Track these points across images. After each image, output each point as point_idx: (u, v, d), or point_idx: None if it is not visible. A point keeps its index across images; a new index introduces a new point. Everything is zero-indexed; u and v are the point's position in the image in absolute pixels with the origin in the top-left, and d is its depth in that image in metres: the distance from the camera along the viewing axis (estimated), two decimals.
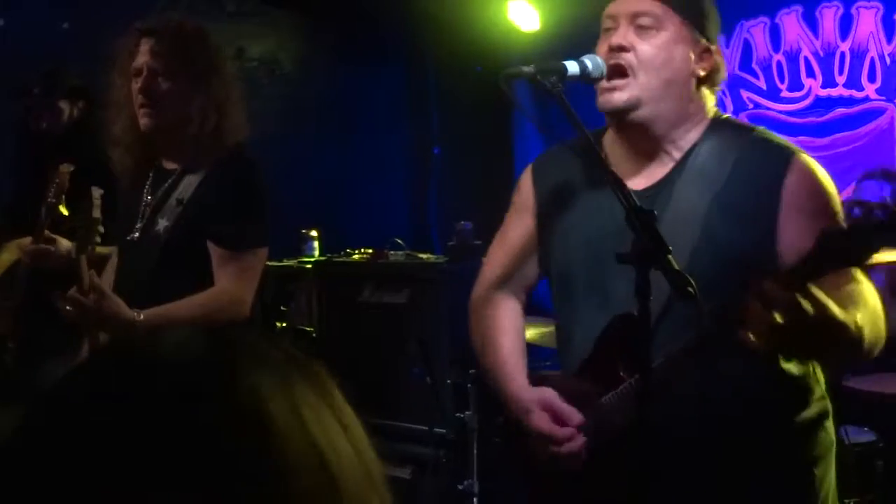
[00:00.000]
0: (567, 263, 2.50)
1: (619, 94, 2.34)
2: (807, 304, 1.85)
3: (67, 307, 2.97)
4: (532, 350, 2.78)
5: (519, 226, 2.64)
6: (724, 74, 2.48)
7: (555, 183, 2.56)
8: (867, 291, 2.18)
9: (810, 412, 2.37)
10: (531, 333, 3.71)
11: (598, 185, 2.38)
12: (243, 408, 0.78)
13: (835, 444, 2.44)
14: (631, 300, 1.99)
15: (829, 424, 2.42)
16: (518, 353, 2.58)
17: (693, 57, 2.38)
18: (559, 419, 2.35)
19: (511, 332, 2.62)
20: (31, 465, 0.77)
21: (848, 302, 2.05)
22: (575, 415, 2.34)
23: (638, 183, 2.39)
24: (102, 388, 0.80)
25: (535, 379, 2.50)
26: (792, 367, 2.33)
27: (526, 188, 2.64)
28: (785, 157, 2.29)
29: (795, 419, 2.35)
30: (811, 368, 2.38)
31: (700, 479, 2.30)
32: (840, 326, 1.94)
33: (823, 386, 2.42)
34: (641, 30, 2.34)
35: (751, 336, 1.90)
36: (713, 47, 2.42)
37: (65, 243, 3.47)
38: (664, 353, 2.12)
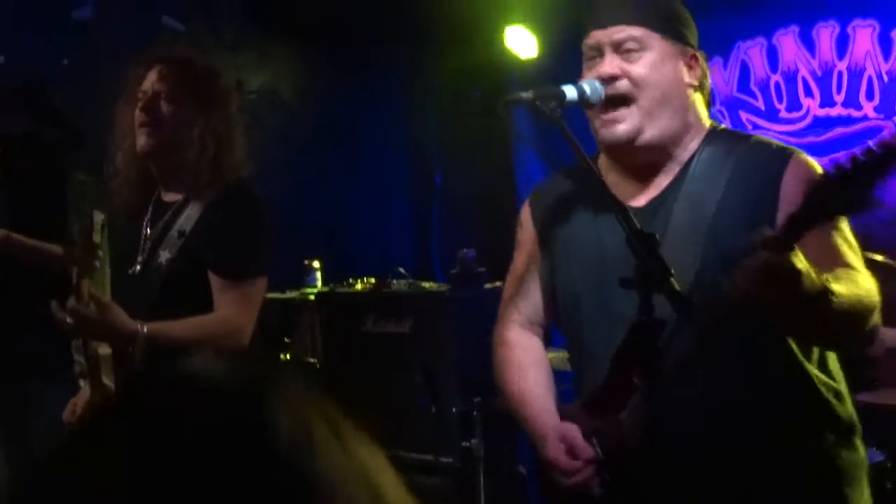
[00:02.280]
0: (573, 288, 2.50)
1: (622, 127, 2.35)
2: (799, 263, 1.85)
3: (67, 318, 2.92)
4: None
5: (525, 261, 2.65)
6: (709, 78, 2.49)
7: (553, 211, 2.57)
8: (858, 275, 2.17)
9: (836, 428, 2.33)
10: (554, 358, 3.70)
11: (597, 206, 2.39)
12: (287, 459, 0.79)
13: (866, 465, 2.40)
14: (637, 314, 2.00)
15: (858, 442, 2.38)
16: (542, 384, 2.56)
17: (684, 68, 2.41)
18: (573, 452, 2.34)
19: (533, 366, 2.60)
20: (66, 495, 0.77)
21: (832, 277, 2.03)
22: (587, 451, 2.32)
23: (639, 200, 2.40)
24: (140, 427, 0.80)
25: (560, 411, 2.48)
26: (815, 379, 2.30)
27: (526, 222, 2.65)
28: (782, 156, 2.30)
29: (820, 436, 2.31)
30: (835, 382, 2.35)
31: (721, 498, 2.28)
32: (821, 287, 1.93)
33: (850, 402, 2.38)
34: (627, 54, 2.36)
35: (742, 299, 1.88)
36: (698, 53, 2.44)
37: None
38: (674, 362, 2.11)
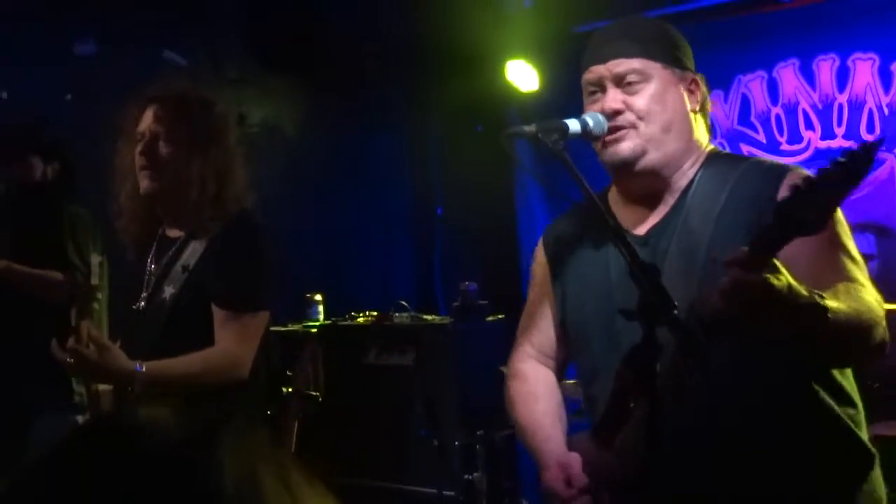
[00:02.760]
0: (581, 319, 2.51)
1: (625, 144, 2.36)
2: (774, 280, 1.83)
3: (68, 358, 2.94)
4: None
5: (538, 295, 2.67)
6: (710, 100, 2.51)
7: (563, 245, 2.59)
8: (860, 288, 2.13)
9: (851, 460, 2.29)
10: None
11: (604, 238, 2.40)
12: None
13: (885, 502, 2.33)
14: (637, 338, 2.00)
15: (877, 476, 2.32)
16: (550, 414, 2.56)
17: (685, 94, 2.43)
18: (570, 481, 2.33)
19: (542, 396, 2.61)
20: None
21: (831, 293, 2.00)
22: (582, 480, 2.31)
23: (640, 229, 2.41)
24: (83, 480, 0.80)
25: (568, 442, 2.48)
26: (827, 407, 2.26)
27: (539, 257, 2.67)
28: (779, 173, 2.30)
29: (831, 466, 2.26)
30: (852, 410, 2.31)
31: None
32: (809, 303, 1.91)
33: (866, 431, 2.33)
34: (630, 86, 2.38)
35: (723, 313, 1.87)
36: (697, 77, 2.46)
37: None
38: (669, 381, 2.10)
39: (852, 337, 2.05)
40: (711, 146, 2.51)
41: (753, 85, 6.15)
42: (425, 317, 5.59)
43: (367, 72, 6.89)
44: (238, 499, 0.78)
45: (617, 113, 2.36)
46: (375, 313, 5.70)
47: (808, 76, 5.96)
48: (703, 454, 2.19)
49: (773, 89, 6.09)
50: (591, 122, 2.33)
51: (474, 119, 6.91)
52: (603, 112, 2.36)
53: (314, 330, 5.77)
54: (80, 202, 4.51)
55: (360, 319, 5.71)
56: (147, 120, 3.18)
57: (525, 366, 2.67)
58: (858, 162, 1.73)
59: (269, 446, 0.87)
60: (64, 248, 4.35)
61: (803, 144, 5.97)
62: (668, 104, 2.38)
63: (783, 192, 2.17)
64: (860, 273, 2.21)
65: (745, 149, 6.13)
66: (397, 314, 5.60)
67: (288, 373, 5.62)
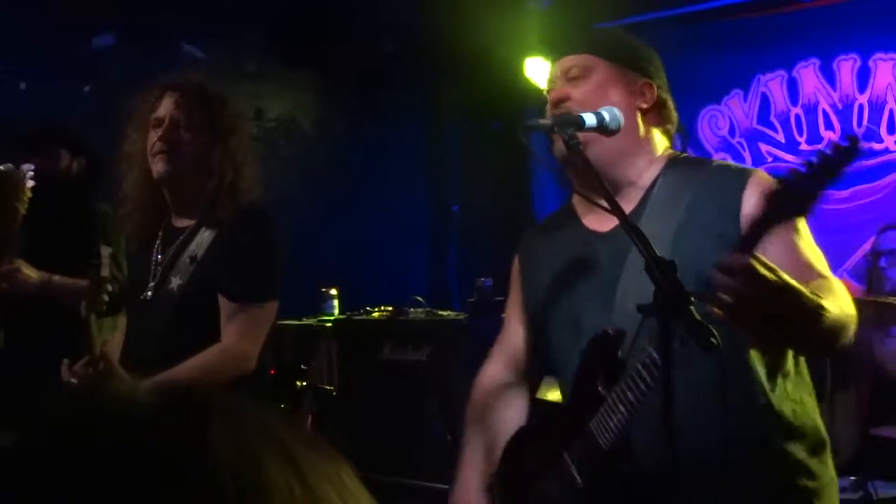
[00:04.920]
0: (541, 304, 2.56)
1: (560, 141, 2.39)
2: (762, 269, 1.85)
3: (72, 379, 3.00)
4: None
5: (512, 300, 2.74)
6: (673, 114, 2.55)
7: (535, 255, 2.66)
8: (832, 283, 2.17)
9: (805, 443, 2.34)
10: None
11: (566, 227, 2.53)
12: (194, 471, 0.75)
13: (836, 482, 2.41)
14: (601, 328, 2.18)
15: (827, 458, 2.39)
16: (477, 450, 2.67)
17: (632, 91, 2.47)
18: None
19: (481, 420, 2.70)
20: None
21: (817, 290, 2.03)
22: None
23: (604, 225, 2.45)
24: (68, 465, 0.77)
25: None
26: (780, 398, 2.31)
27: (514, 268, 2.74)
28: (743, 175, 2.34)
29: (789, 450, 2.31)
30: (801, 398, 2.36)
31: None
32: (796, 289, 1.91)
33: (818, 420, 2.40)
34: (574, 81, 2.48)
35: (720, 311, 1.88)
36: (655, 83, 2.51)
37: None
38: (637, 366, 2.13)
39: (838, 334, 2.08)
40: (672, 151, 2.54)
41: (773, 84, 6.13)
42: (440, 312, 5.59)
43: (386, 67, 6.89)
44: (236, 485, 0.75)
45: (559, 101, 2.46)
46: (390, 308, 5.70)
47: (829, 76, 5.93)
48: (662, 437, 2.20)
49: (792, 89, 6.06)
50: (607, 117, 2.37)
51: (492, 116, 6.90)
52: (550, 103, 2.48)
53: (329, 324, 5.78)
54: (106, 199, 4.44)
55: (375, 314, 5.71)
56: (167, 106, 3.17)
57: (490, 371, 2.77)
58: (842, 155, 1.79)
59: (275, 423, 0.82)
60: (97, 252, 4.27)
61: (823, 144, 5.94)
62: (607, 97, 2.44)
63: (747, 198, 2.26)
64: (824, 266, 2.27)
65: (764, 148, 6.11)
66: (412, 309, 5.60)
67: (302, 367, 5.64)
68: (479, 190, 7.16)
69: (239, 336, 3.05)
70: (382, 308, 5.74)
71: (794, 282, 1.91)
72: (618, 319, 2.27)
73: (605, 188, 2.23)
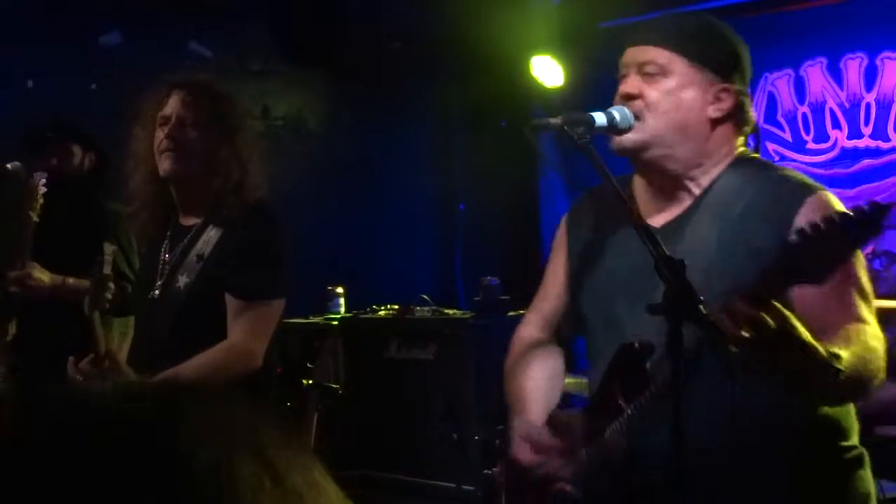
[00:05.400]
0: (588, 301, 2.53)
1: (629, 136, 2.34)
2: (769, 321, 1.81)
3: (78, 376, 3.02)
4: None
5: (554, 266, 2.67)
6: (751, 114, 2.44)
7: (586, 227, 2.58)
8: (868, 331, 2.13)
9: (842, 458, 2.31)
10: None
11: (625, 226, 2.36)
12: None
13: (873, 498, 2.37)
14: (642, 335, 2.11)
15: (866, 474, 2.35)
16: (533, 389, 2.57)
17: (706, 98, 2.36)
18: (539, 449, 2.37)
19: (532, 367, 2.61)
20: None
21: (842, 340, 2.02)
22: (548, 442, 2.36)
23: (657, 220, 2.39)
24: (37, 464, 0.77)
25: (548, 418, 2.50)
26: (821, 410, 2.28)
27: (560, 232, 2.67)
28: (800, 194, 2.25)
29: (825, 464, 2.29)
30: (843, 412, 2.32)
31: None
32: (808, 347, 1.89)
33: (857, 434, 2.36)
34: (648, 77, 2.35)
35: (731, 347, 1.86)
36: (734, 87, 2.38)
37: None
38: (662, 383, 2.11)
39: (857, 386, 2.06)
40: (740, 150, 2.45)
41: (780, 83, 6.12)
42: (446, 311, 5.59)
43: (392, 66, 6.88)
44: (209, 485, 0.74)
45: (630, 97, 2.34)
46: (396, 307, 5.70)
47: (836, 75, 5.91)
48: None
49: (800, 88, 6.05)
50: (617, 116, 2.31)
51: (498, 114, 6.89)
52: (621, 95, 2.36)
53: (335, 322, 5.78)
54: (115, 196, 4.40)
55: (382, 313, 5.71)
56: (174, 105, 3.18)
57: (524, 332, 2.69)
58: (869, 220, 1.75)
59: (247, 418, 0.82)
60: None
61: (829, 143, 5.93)
62: (682, 103, 2.34)
63: (800, 221, 2.14)
64: (868, 312, 2.20)
65: (771, 147, 6.10)
66: (418, 308, 5.61)
67: (308, 365, 5.64)
68: (485, 189, 7.15)
69: (245, 334, 3.05)
70: (389, 307, 5.74)
71: (805, 336, 1.87)
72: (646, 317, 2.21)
73: (616, 190, 2.20)
